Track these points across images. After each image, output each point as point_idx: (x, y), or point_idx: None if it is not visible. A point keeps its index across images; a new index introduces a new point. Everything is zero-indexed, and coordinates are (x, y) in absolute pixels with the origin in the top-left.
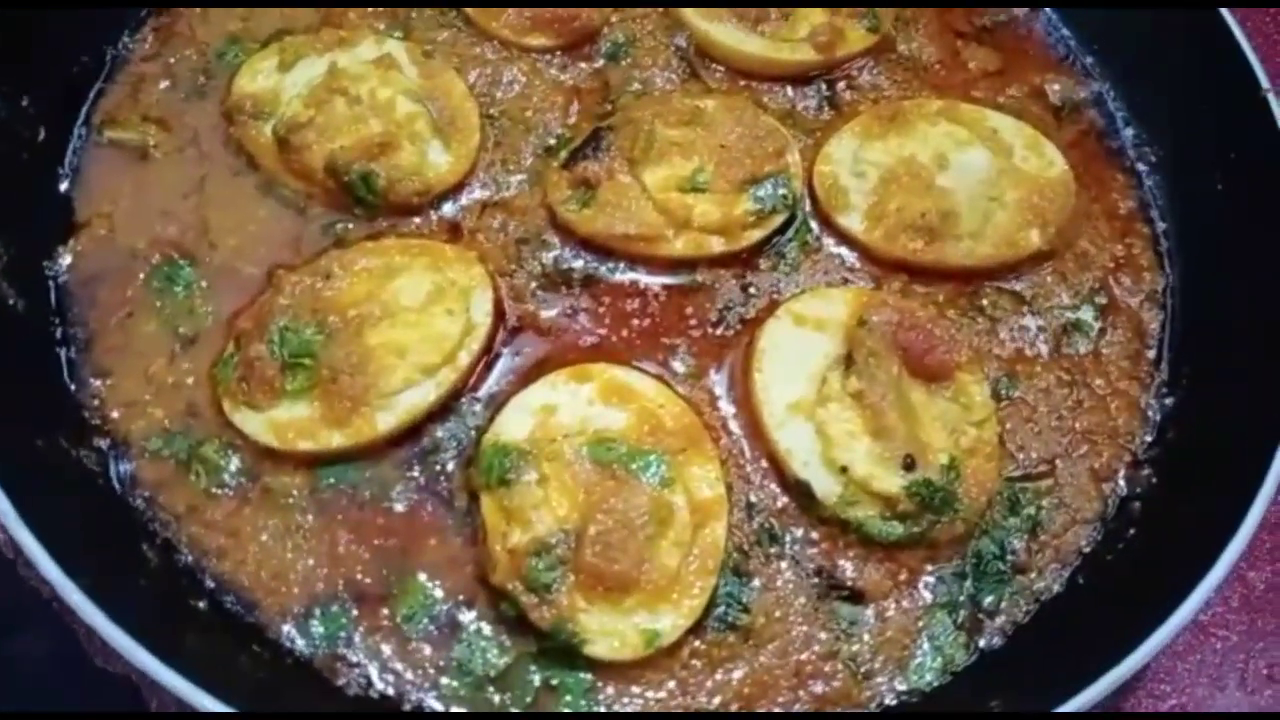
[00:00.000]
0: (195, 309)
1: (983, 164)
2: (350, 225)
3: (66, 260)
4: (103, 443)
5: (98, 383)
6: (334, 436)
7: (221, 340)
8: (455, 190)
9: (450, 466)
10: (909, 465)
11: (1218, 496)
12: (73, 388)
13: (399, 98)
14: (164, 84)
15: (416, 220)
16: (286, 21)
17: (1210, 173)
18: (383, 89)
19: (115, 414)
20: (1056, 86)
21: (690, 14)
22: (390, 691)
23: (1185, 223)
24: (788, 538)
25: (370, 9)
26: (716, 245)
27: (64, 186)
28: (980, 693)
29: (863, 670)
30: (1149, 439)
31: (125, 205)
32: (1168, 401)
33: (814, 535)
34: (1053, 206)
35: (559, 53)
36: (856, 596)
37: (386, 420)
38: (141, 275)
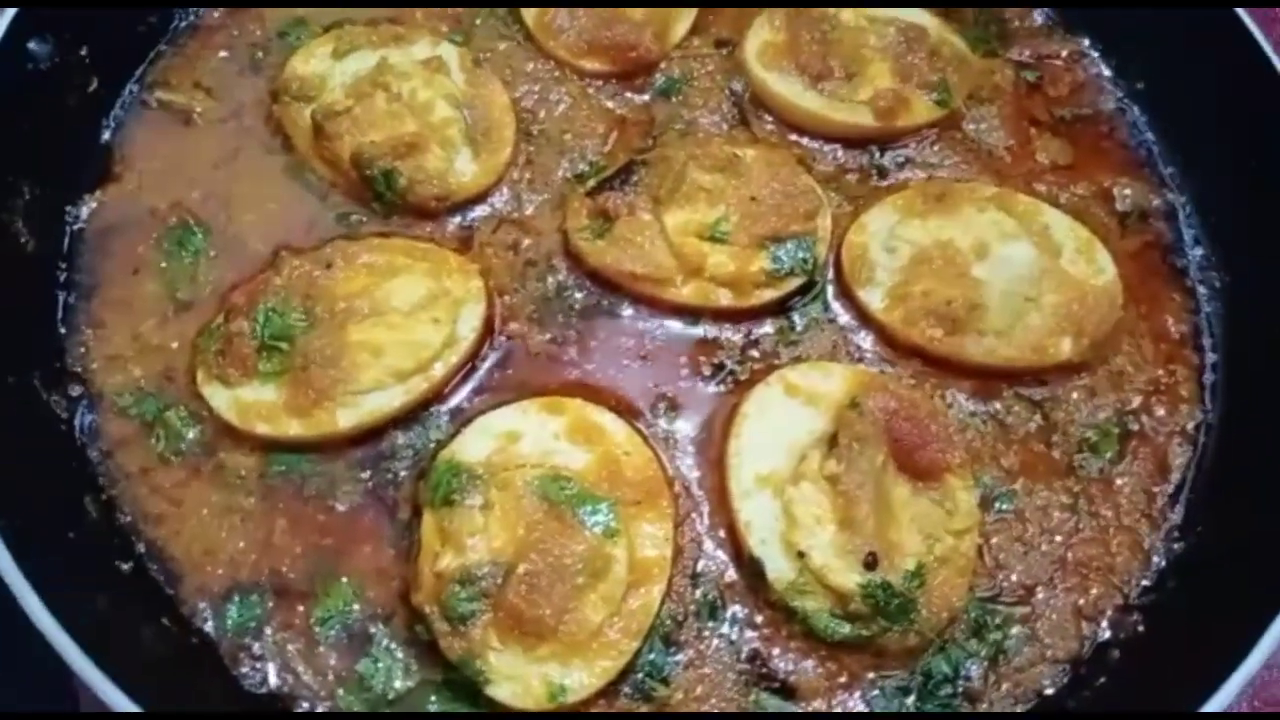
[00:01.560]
0: (198, 276)
1: (1026, 260)
2: (365, 219)
3: (89, 208)
4: (76, 390)
5: (89, 331)
6: (293, 425)
7: (214, 311)
8: (475, 201)
9: (402, 475)
10: (870, 563)
11: (1202, 662)
12: (63, 331)
13: (439, 101)
14: (222, 54)
15: (430, 225)
16: (353, 13)
17: (1274, 311)
18: (425, 90)
19: (95, 365)
20: (1128, 192)
21: (752, 61)
22: (285, 691)
23: (1238, 360)
24: (728, 615)
25: (437, 11)
26: (724, 299)
27: (105, 137)
28: None
29: None
30: (1146, 584)
31: (157, 165)
32: (1176, 547)
33: (757, 618)
34: (1092, 317)
35: (611, 80)
36: (787, 692)
37: (348, 418)
38: (155, 235)
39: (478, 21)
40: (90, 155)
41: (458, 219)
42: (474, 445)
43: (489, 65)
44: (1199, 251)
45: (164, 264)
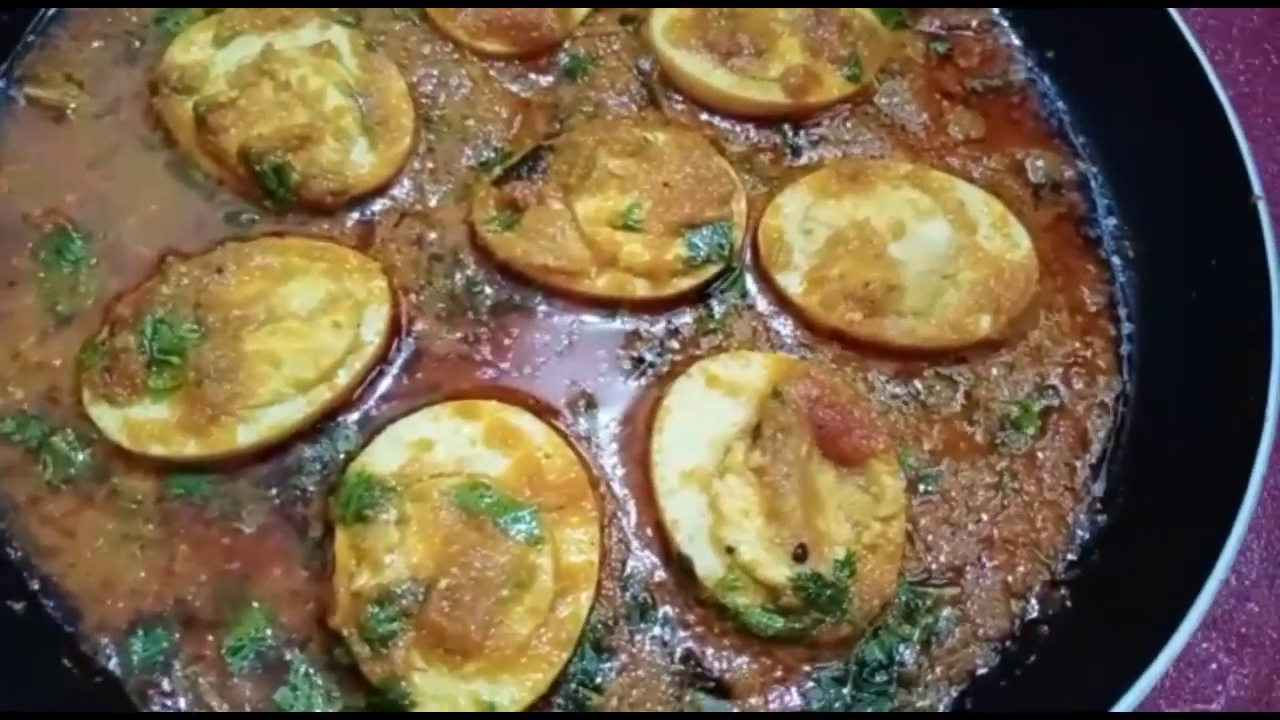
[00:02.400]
0: (79, 287)
1: (942, 238)
2: (256, 218)
3: None
4: None
5: None
6: (189, 444)
7: (98, 324)
8: (374, 194)
9: (311, 491)
10: (800, 555)
11: (1131, 635)
12: None
13: (330, 89)
14: (95, 44)
15: (327, 223)
16: None
17: (1187, 278)
18: (315, 78)
19: None
20: (1040, 163)
21: (659, 38)
22: None
23: (1153, 329)
24: (660, 616)
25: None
26: (641, 289)
27: None
28: None
29: None
30: (1072, 558)
31: (29, 167)
32: (1099, 519)
33: (689, 617)
34: (1009, 293)
35: (513, 61)
36: (723, 690)
37: (247, 435)
38: (30, 244)
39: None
40: None
41: (356, 214)
42: (385, 456)
43: (383, 49)
44: (1112, 221)
45: (41, 274)
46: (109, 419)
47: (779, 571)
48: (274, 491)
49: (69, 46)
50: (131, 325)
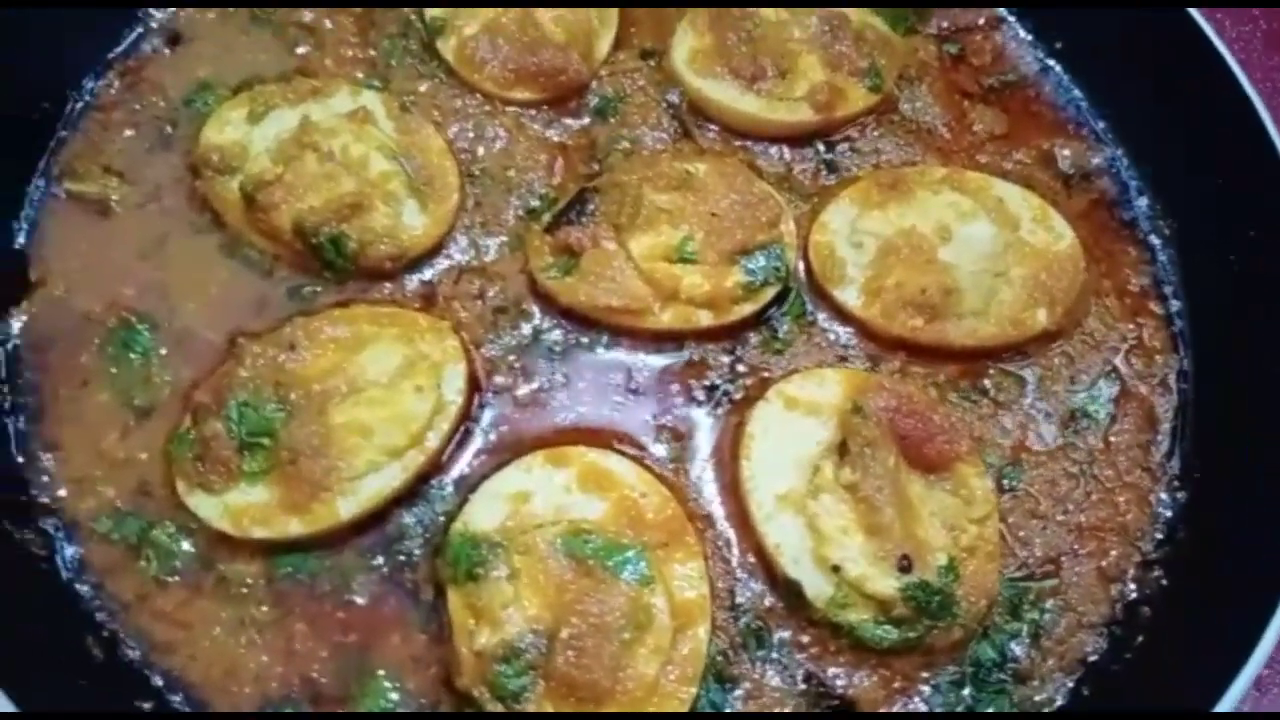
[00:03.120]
0: (152, 378)
1: (987, 237)
2: (318, 290)
3: (19, 323)
4: (48, 523)
5: (47, 456)
6: (292, 523)
7: (178, 413)
8: (431, 254)
9: (417, 555)
10: (905, 566)
11: (1233, 604)
12: (20, 460)
13: (373, 154)
14: (128, 133)
15: (389, 286)
16: (259, 68)
17: (1226, 249)
18: (356, 145)
19: (63, 492)
20: (1066, 152)
21: (684, 70)
22: None
23: (1199, 302)
24: (775, 641)
25: (349, 57)
26: (705, 319)
27: (19, 242)
28: None
29: None
30: (1159, 537)
31: (82, 263)
32: (1179, 496)
33: (803, 638)
34: (1061, 284)
35: (544, 108)
36: (847, 706)
37: (349, 507)
38: (97, 340)
39: (392, 62)
40: (7, 265)
41: (416, 275)
42: (485, 513)
43: (416, 109)
44: (1144, 201)
45: (113, 370)
46: (208, 507)
47: (887, 584)
48: (380, 560)
49: (101, 138)
50: (215, 412)
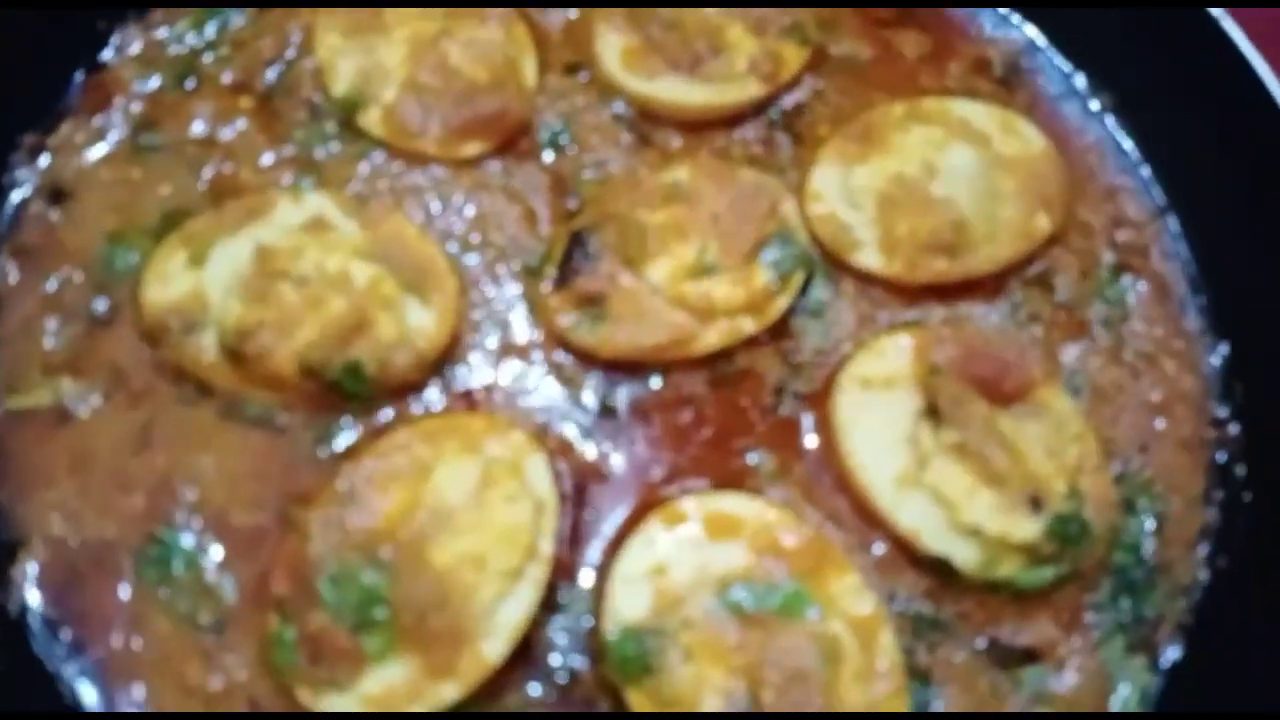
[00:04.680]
0: (209, 588)
1: (969, 161)
2: (346, 426)
3: (28, 588)
4: None
5: (133, 708)
6: (445, 688)
7: (257, 616)
8: (451, 349)
9: (578, 669)
10: (1037, 504)
11: None
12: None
13: (351, 263)
14: (52, 322)
15: (422, 398)
16: (170, 203)
17: (1173, 98)
18: (328, 258)
19: None
20: (991, 53)
21: (621, 76)
22: None
23: (1164, 158)
24: (946, 619)
25: (268, 155)
26: (749, 326)
27: None
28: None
29: None
30: (1218, 393)
31: (69, 489)
32: (1221, 349)
33: (967, 607)
34: (1050, 185)
35: (497, 157)
36: (1032, 656)
37: (495, 647)
38: (127, 570)
39: (317, 154)
40: None
41: (445, 377)
42: (630, 601)
43: (373, 198)
44: (1080, 78)
45: (161, 594)
46: (345, 703)
47: (1028, 529)
48: (544, 690)
49: (24, 337)
50: (305, 600)
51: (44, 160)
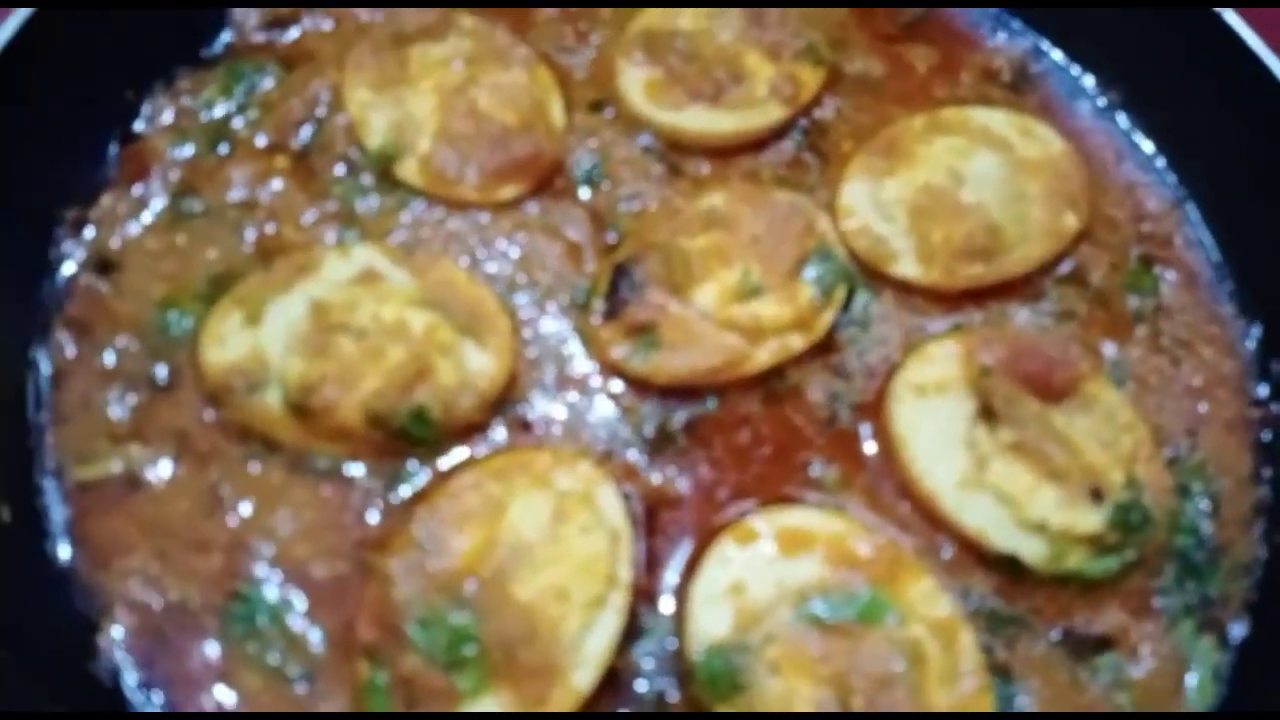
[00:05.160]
0: (295, 641)
1: (993, 166)
2: (415, 471)
3: (114, 653)
4: None
5: None
6: None
7: (346, 664)
8: (510, 387)
9: (666, 692)
10: (1098, 495)
11: None
12: None
13: (406, 311)
14: (113, 390)
15: (487, 437)
16: (217, 267)
17: (1182, 90)
18: (384, 308)
19: None
20: (1000, 60)
21: (648, 109)
22: None
23: (1177, 145)
24: (1017, 615)
25: (311, 212)
26: (799, 342)
27: (64, 556)
28: (1265, 690)
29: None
30: (1256, 374)
31: (147, 553)
32: (1254, 331)
33: (1039, 601)
34: (1073, 184)
35: (534, 198)
36: (1106, 644)
37: (584, 677)
38: (211, 626)
39: (358, 207)
40: (61, 590)
41: (507, 415)
42: (713, 620)
43: (417, 246)
44: (1089, 78)
45: (249, 650)
46: None
47: (1092, 520)
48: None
49: (88, 408)
50: (395, 645)
51: (89, 233)
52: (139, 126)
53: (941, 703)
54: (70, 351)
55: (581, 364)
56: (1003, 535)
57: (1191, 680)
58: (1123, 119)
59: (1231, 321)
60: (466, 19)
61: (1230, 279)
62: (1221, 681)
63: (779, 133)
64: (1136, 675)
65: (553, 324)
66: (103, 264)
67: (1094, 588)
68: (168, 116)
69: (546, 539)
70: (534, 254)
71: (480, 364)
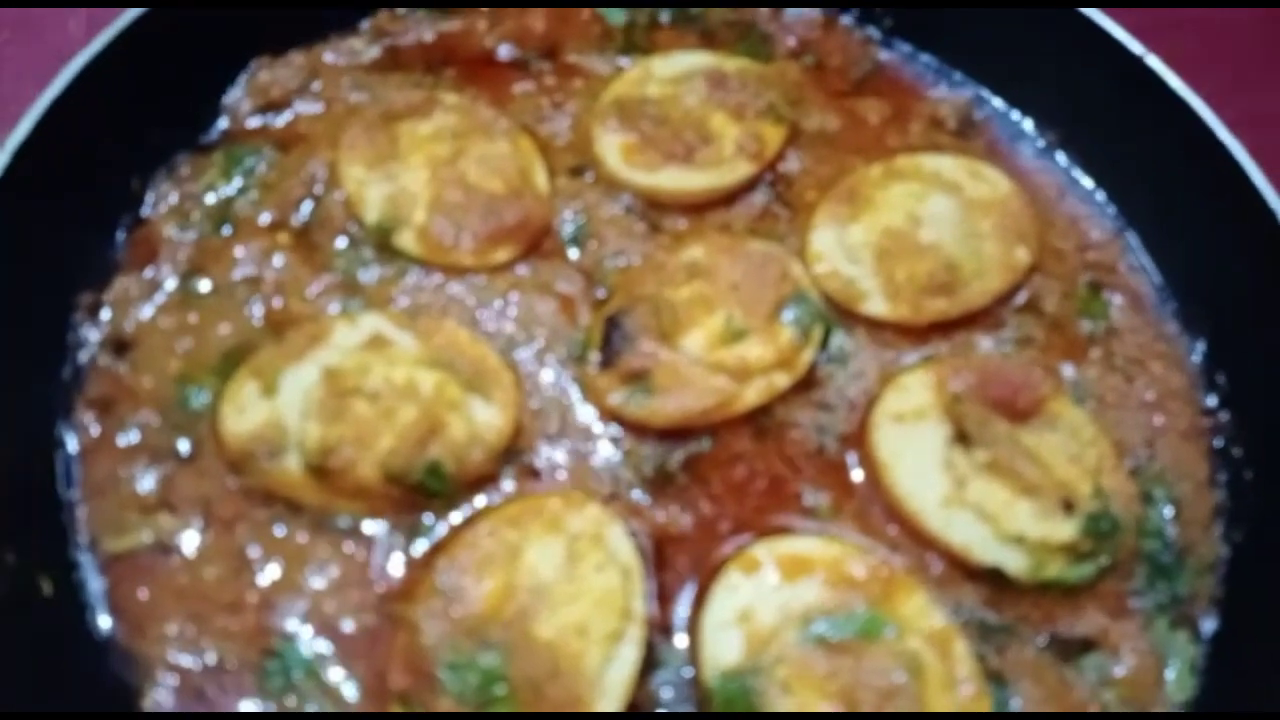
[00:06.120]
0: (331, 691)
1: (947, 208)
2: (432, 522)
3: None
4: None
5: None
6: None
7: (380, 708)
8: (517, 437)
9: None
10: (1069, 506)
11: None
12: None
13: (415, 372)
14: (139, 465)
15: (498, 486)
16: (228, 341)
17: (1116, 125)
18: (394, 371)
19: None
20: (944, 111)
21: (626, 172)
22: None
23: (1112, 174)
24: (1005, 625)
25: (315, 288)
26: (783, 381)
27: (105, 626)
28: (1238, 679)
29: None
30: (1203, 386)
31: (183, 618)
32: (1199, 347)
33: (1024, 609)
34: (1023, 221)
35: (526, 260)
36: (1090, 645)
37: (609, 703)
38: (252, 685)
39: (360, 278)
40: (103, 662)
41: (515, 464)
42: (724, 647)
43: (420, 311)
44: (1029, 122)
45: (288, 704)
46: None
47: (1066, 530)
48: None
49: (115, 483)
50: (428, 689)
51: (104, 315)
52: (146, 212)
53: (944, 707)
54: (94, 430)
55: (582, 412)
56: (986, 549)
57: (1170, 674)
58: (1061, 157)
59: (1177, 338)
60: (450, 96)
61: (1173, 299)
62: (1198, 673)
63: (748, 187)
64: (1120, 673)
65: (552, 376)
66: (119, 345)
67: (1074, 593)
68: (172, 200)
69: (563, 579)
70: (530, 312)
71: (488, 418)
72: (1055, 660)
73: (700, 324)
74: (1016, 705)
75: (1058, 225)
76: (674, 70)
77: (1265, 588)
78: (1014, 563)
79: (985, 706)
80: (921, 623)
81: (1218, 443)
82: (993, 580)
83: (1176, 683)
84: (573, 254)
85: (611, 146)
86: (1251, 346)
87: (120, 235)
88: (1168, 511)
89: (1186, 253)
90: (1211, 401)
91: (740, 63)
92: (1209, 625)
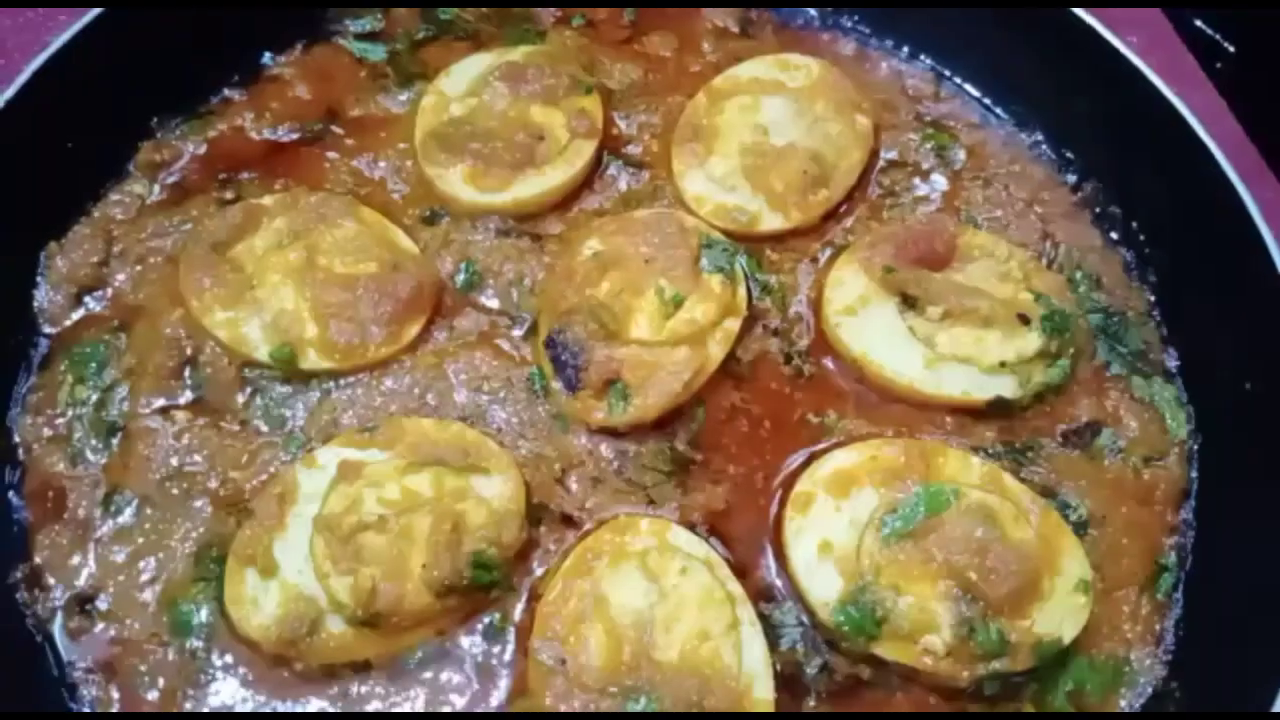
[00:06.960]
0: None
1: (780, 106)
2: (504, 612)
3: None
4: None
5: None
6: None
7: None
8: (533, 495)
9: (829, 661)
10: (1025, 320)
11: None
12: None
13: (406, 480)
14: (181, 699)
15: (544, 548)
16: (199, 540)
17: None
18: (387, 489)
19: None
20: (722, 16)
21: (481, 198)
22: None
23: (898, 27)
24: (1024, 442)
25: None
26: (734, 325)
27: None
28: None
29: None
30: (1059, 167)
31: None
32: (1039, 136)
33: (1032, 424)
34: (846, 89)
35: (437, 326)
36: (1096, 426)
37: (764, 687)
38: None
39: (287, 421)
40: None
41: (546, 520)
42: (824, 585)
43: (370, 421)
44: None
45: None
46: None
47: (1033, 339)
48: (816, 697)
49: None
50: None
51: (52, 584)
52: (22, 457)
53: (1026, 537)
54: (114, 695)
55: (576, 440)
56: (980, 386)
57: (1169, 420)
58: (845, 20)
59: (1019, 137)
60: (266, 199)
61: (1000, 104)
62: (1183, 405)
63: (596, 167)
64: (1131, 436)
65: (528, 419)
66: (83, 601)
67: (1064, 391)
68: (44, 434)
69: (656, 599)
70: (472, 372)
71: (497, 489)
72: (1078, 453)
73: (637, 309)
74: (1074, 507)
75: (873, 82)
76: (465, 83)
77: (1197, 307)
78: (1007, 388)
79: (1055, 520)
80: (968, 475)
81: (1097, 210)
82: (997, 411)
83: (1174, 425)
84: (480, 298)
85: (454, 180)
86: (1081, 117)
87: (14, 499)
88: (1089, 286)
89: (992, 63)
90: (1072, 177)
91: (520, 50)
92: (1171, 362)
